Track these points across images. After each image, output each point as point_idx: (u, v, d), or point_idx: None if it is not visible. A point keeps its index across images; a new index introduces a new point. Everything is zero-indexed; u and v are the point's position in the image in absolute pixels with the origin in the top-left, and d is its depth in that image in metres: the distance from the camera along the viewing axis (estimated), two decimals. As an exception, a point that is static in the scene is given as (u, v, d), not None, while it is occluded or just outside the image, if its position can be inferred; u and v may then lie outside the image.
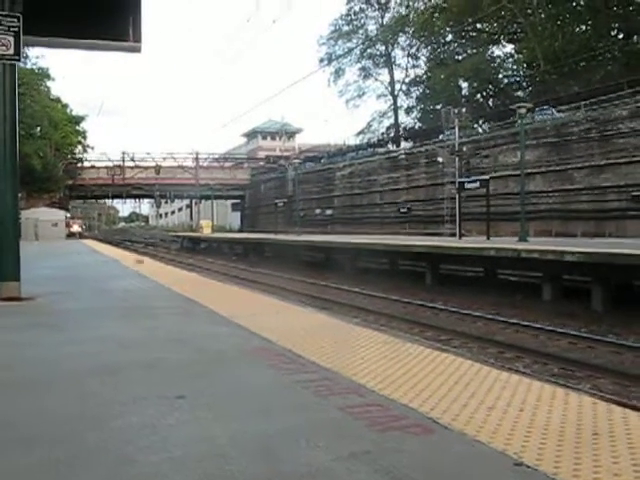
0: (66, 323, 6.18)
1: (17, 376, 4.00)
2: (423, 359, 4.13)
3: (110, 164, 64.53)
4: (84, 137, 64.42)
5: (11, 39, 7.68)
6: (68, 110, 63.41)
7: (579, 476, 2.18)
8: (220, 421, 2.93)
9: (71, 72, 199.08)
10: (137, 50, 8.94)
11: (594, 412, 2.93)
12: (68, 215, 62.45)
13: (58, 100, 61.14)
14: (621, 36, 41.63)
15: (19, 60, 7.88)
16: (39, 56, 53.26)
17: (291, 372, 3.81)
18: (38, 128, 51.94)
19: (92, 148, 65.81)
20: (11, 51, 7.69)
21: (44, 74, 55.31)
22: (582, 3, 40.65)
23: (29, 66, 51.69)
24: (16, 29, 7.69)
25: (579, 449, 2.44)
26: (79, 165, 64.72)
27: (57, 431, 2.87)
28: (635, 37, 41.22)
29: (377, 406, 3.06)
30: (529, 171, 27.34)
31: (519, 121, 25.99)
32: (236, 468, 2.33)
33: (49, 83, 57.45)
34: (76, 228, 74.34)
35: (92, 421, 2.98)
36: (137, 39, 8.73)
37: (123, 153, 64.87)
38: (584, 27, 43.07)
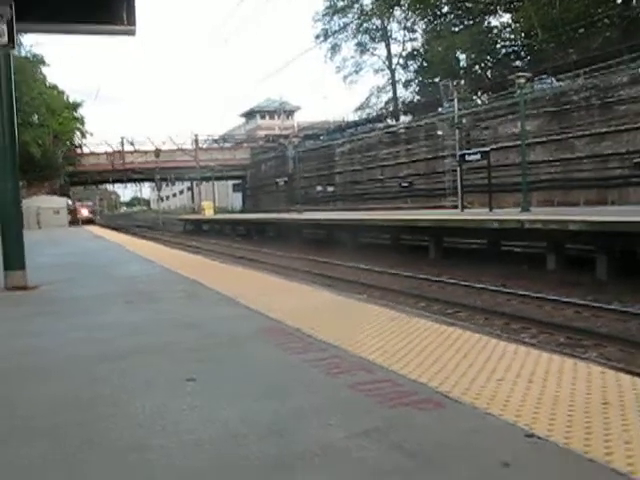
0: (73, 310, 6.20)
1: (26, 364, 4.02)
2: (430, 334, 4.13)
3: (109, 150, 64.47)
4: (82, 123, 64.15)
5: (4, 27, 7.62)
6: (65, 97, 63.13)
7: (590, 445, 2.20)
8: (231, 403, 2.94)
9: (67, 59, 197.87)
10: (132, 33, 8.86)
11: (603, 381, 2.94)
12: (69, 202, 58.53)
13: (55, 87, 60.84)
14: (619, 1, 41.21)
15: (14, 47, 7.82)
16: (34, 44, 53.00)
17: (300, 351, 3.82)
18: (36, 116, 51.76)
19: (91, 134, 65.59)
20: (4, 39, 7.64)
21: (39, 61, 55.00)
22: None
23: (23, 54, 51.40)
24: (9, 16, 7.63)
25: (589, 419, 2.45)
26: (78, 152, 64.57)
27: (68, 417, 2.88)
28: (634, 1, 40.82)
29: (387, 382, 3.07)
30: (530, 141, 27.24)
31: (518, 91, 25.84)
32: (249, 449, 2.35)
33: (45, 70, 57.20)
34: (85, 213, 67.44)
35: (102, 407, 3.00)
36: (131, 22, 8.65)
37: (122, 138, 64.86)
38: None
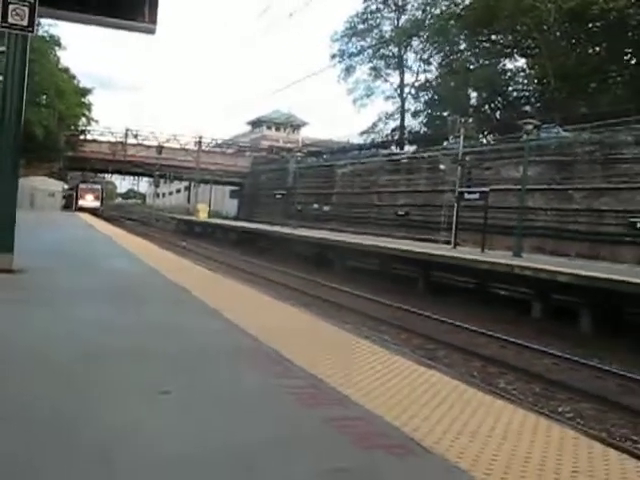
0: (55, 301, 6.15)
1: None
2: (410, 374, 4.12)
3: (113, 139, 64.36)
4: (89, 110, 64.02)
5: (26, 10, 7.63)
6: (75, 81, 63.06)
7: (557, 514, 2.19)
8: (201, 424, 2.91)
9: (84, 43, 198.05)
10: (152, 32, 8.89)
11: (575, 447, 2.94)
12: (65, 187, 57.08)
13: (66, 70, 60.74)
14: (634, 61, 41.66)
15: (32, 32, 7.82)
16: (51, 24, 52.89)
17: (277, 376, 3.80)
18: (44, 96, 51.62)
19: (96, 122, 65.45)
20: (25, 22, 7.64)
21: (55, 42, 54.93)
22: (598, 25, 40.60)
23: (40, 33, 51.36)
24: (32, 0, 7.64)
25: (558, 485, 2.45)
26: (81, 137, 64.39)
27: (32, 418, 2.84)
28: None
29: (361, 421, 3.05)
30: (529, 187, 27.35)
31: (524, 136, 26.01)
32: (214, 477, 2.33)
33: (59, 52, 57.11)
34: (90, 200, 60.04)
35: (71, 413, 2.96)
36: (152, 20, 8.68)
37: (127, 130, 64.73)
38: (598, 49, 43.08)
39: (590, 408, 9.54)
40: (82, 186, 62.96)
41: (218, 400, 3.32)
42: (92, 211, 52.04)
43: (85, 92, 63.39)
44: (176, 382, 3.56)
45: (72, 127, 61.65)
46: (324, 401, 3.34)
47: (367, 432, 2.90)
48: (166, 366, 3.94)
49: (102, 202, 64.35)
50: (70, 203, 54.67)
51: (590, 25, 41.58)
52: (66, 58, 79.75)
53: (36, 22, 7.82)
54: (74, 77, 62.87)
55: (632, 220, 25.50)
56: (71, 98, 56.74)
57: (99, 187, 67.22)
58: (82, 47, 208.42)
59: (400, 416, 3.15)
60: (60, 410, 2.98)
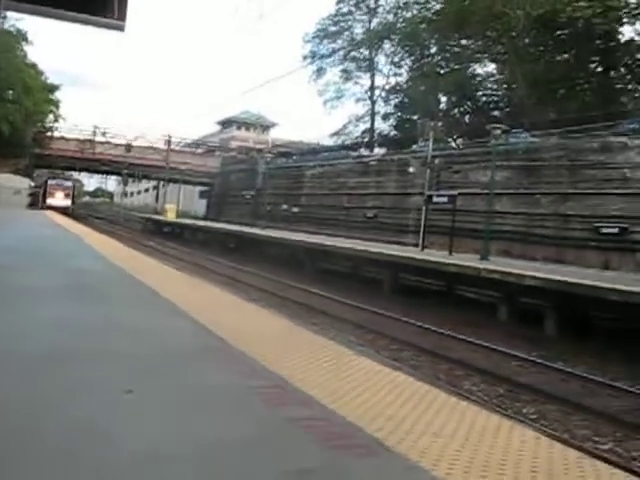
0: (17, 300, 6.07)
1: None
2: (374, 375, 4.14)
3: (81, 137, 63.56)
4: (57, 107, 63.16)
5: (-9, 4, 7.51)
6: (43, 77, 62.18)
7: (515, 513, 2.22)
8: (165, 423, 2.90)
9: (49, 40, 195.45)
10: (121, 29, 8.80)
11: (536, 448, 2.98)
12: (31, 184, 54.53)
13: (34, 66, 59.87)
14: (600, 69, 42.31)
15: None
16: (18, 18, 52.06)
17: (243, 376, 3.80)
18: (10, 92, 50.84)
19: (64, 119, 64.57)
20: (-10, 16, 7.53)
21: (22, 36, 54.15)
22: (566, 32, 41.17)
23: (6, 27, 50.57)
24: (-2, -6, 7.53)
25: (518, 484, 2.48)
26: (49, 134, 63.49)
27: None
28: (613, 72, 41.95)
29: (324, 421, 3.06)
30: (497, 191, 27.61)
31: (492, 141, 26.27)
32: (178, 477, 2.32)
33: (26, 47, 56.30)
34: (60, 198, 56.02)
35: (31, 412, 2.93)
36: (121, 17, 8.59)
37: (95, 127, 63.99)
38: (566, 56, 43.65)
39: (554, 410, 9.69)
40: (51, 182, 58.87)
41: (182, 400, 3.31)
42: (62, 210, 47.00)
43: (53, 89, 62.55)
44: (140, 382, 3.54)
45: (39, 124, 60.78)
46: (289, 401, 3.35)
47: (331, 432, 2.91)
48: (130, 366, 3.90)
49: (73, 201, 59.96)
50: (36, 201, 53.31)
51: (558, 33, 42.14)
52: (33, 54, 78.46)
53: (1, 15, 7.71)
54: (42, 73, 62.01)
55: (597, 225, 25.88)
56: (38, 94, 55.92)
57: (70, 184, 61.63)
58: (50, 43, 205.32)
59: (363, 416, 3.16)
60: (20, 409, 2.95)
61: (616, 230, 25.03)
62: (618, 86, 42.44)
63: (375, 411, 3.28)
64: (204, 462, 2.48)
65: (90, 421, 2.82)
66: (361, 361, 4.59)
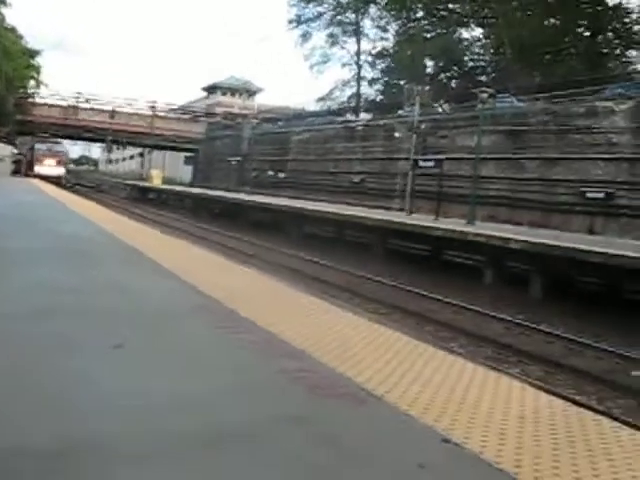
0: (2, 264, 6.04)
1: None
2: (362, 331, 4.18)
3: (64, 103, 62.72)
4: (38, 72, 62.16)
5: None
6: (23, 42, 61.11)
7: (502, 456, 2.26)
8: (158, 375, 2.93)
9: (28, 2, 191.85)
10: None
11: (522, 397, 3.03)
12: (14, 151, 51.32)
13: (13, 30, 58.76)
14: (587, 34, 42.14)
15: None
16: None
17: (232, 332, 3.82)
18: (-12, 57, 50.00)
19: (46, 85, 63.59)
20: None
21: (-2, -1, 53.12)
22: (554, -4, 40.96)
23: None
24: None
25: (505, 431, 2.53)
26: (31, 101, 62.59)
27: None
28: (600, 37, 41.79)
29: (314, 372, 3.10)
30: (484, 156, 27.58)
31: (479, 105, 26.19)
32: (173, 424, 2.34)
33: (4, 10, 55.14)
34: (52, 168, 49.99)
35: (25, 367, 2.94)
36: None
37: (78, 94, 63.10)
38: (553, 20, 43.41)
39: (538, 369, 9.83)
40: (40, 147, 52.80)
41: (174, 353, 3.34)
42: (54, 180, 42.13)
43: (34, 54, 61.51)
44: (132, 337, 3.55)
45: (21, 90, 59.88)
46: (280, 354, 3.39)
47: (321, 383, 2.95)
48: (121, 323, 3.92)
49: (67, 169, 54.02)
50: (19, 169, 52.49)
51: (546, -4, 41.88)
52: (12, 17, 76.61)
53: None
54: (21, 37, 60.94)
55: (583, 190, 25.97)
56: (19, 60, 54.99)
57: (63, 149, 55.65)
58: (29, 5, 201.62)
59: (353, 368, 3.20)
60: (16, 363, 2.97)
61: (602, 195, 25.13)
62: (605, 51, 42.32)
63: (364, 364, 3.32)
64: (197, 407, 2.52)
65: (80, 374, 2.84)
66: (349, 317, 4.64)
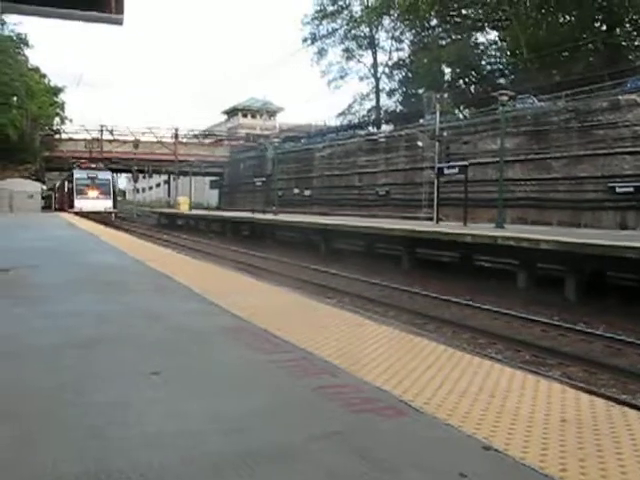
0: (41, 297, 6.13)
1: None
2: (397, 342, 4.16)
3: (88, 137, 63.69)
4: (62, 109, 63.41)
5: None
6: (46, 80, 62.38)
7: (545, 461, 2.23)
8: (194, 399, 2.94)
9: (51, 41, 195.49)
10: (119, 22, 8.74)
11: (563, 399, 2.99)
12: (44, 188, 50.30)
13: (37, 70, 60.05)
14: (604, 28, 41.78)
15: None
16: (17, 23, 52.12)
17: (266, 352, 3.83)
18: (14, 97, 51.03)
19: (70, 120, 64.78)
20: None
21: (22, 41, 54.23)
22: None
23: (6, 33, 50.73)
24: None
25: (547, 435, 2.49)
26: (56, 137, 63.72)
27: (30, 405, 2.86)
28: (617, 29, 41.42)
29: (350, 387, 3.09)
30: (508, 159, 27.43)
31: (500, 108, 26.07)
32: (210, 446, 2.35)
33: (27, 51, 56.39)
34: (96, 200, 40.06)
35: (66, 395, 2.98)
36: (119, 10, 8.55)
37: (102, 126, 64.04)
38: (568, 17, 43.15)
39: (579, 370, 9.67)
40: (79, 175, 42.51)
41: (209, 376, 3.35)
42: (101, 217, 35.49)
43: (57, 91, 62.78)
44: (167, 363, 3.58)
45: (46, 127, 61.01)
46: (314, 371, 3.38)
47: (357, 397, 2.94)
48: (157, 349, 3.94)
49: (115, 201, 43.66)
50: (50, 204, 53.16)
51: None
52: (35, 57, 78.43)
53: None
54: (44, 76, 62.22)
55: (611, 185, 25.68)
56: (43, 97, 56.13)
57: (108, 176, 44.06)
58: (51, 45, 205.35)
59: (389, 381, 3.19)
60: (63, 388, 3.01)
61: (631, 189, 24.82)
62: (624, 43, 41.91)
63: (401, 375, 3.30)
64: (234, 429, 2.52)
65: (120, 402, 2.86)
66: (384, 329, 4.62)
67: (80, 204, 39.62)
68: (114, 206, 42.03)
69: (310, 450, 2.31)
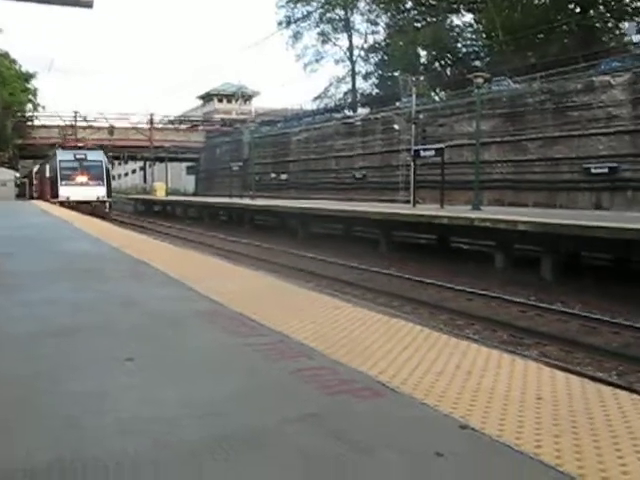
0: (16, 285, 6.05)
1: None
2: (373, 324, 4.15)
3: (62, 123, 62.89)
4: (34, 95, 62.53)
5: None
6: (17, 66, 61.41)
7: (521, 438, 2.23)
8: (169, 384, 2.92)
9: (21, 27, 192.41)
10: (89, 5, 8.70)
11: (538, 377, 3.00)
12: (17, 175, 49.64)
13: (6, 55, 59.05)
14: (578, 10, 41.96)
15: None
16: (-16, 8, 51.19)
17: (242, 335, 3.81)
18: (-16, 85, 50.28)
19: (43, 107, 63.86)
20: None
21: (-10, 24, 53.28)
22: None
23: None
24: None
25: (522, 413, 2.50)
26: (29, 124, 62.84)
27: (6, 393, 2.82)
28: (591, 11, 41.61)
29: (327, 370, 3.08)
30: (484, 141, 27.55)
31: (476, 91, 26.14)
32: (185, 431, 2.33)
33: (-4, 37, 55.49)
34: (84, 187, 33.74)
35: (41, 384, 2.95)
36: (89, -6, 8.49)
37: (75, 113, 63.23)
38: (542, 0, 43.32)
39: (556, 350, 9.78)
40: (63, 157, 35.24)
41: (184, 361, 3.33)
42: (91, 209, 30.21)
43: (28, 77, 61.84)
44: (143, 349, 3.55)
45: (19, 114, 60.12)
46: (290, 354, 3.36)
47: (333, 379, 2.93)
48: (133, 335, 3.91)
49: (109, 190, 35.96)
50: (24, 191, 52.25)
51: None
52: (4, 42, 77.08)
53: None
54: (14, 61, 61.18)
55: (586, 166, 25.89)
56: (14, 84, 55.25)
57: (100, 157, 36.38)
58: (21, 30, 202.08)
59: (366, 362, 3.18)
60: (37, 377, 2.98)
61: (606, 170, 25.05)
62: (597, 25, 42.15)
63: (377, 357, 3.29)
64: (210, 411, 2.51)
65: (95, 389, 2.84)
66: (360, 311, 4.61)
67: (66, 192, 33.44)
68: (108, 194, 35.49)
69: (285, 432, 2.30)
